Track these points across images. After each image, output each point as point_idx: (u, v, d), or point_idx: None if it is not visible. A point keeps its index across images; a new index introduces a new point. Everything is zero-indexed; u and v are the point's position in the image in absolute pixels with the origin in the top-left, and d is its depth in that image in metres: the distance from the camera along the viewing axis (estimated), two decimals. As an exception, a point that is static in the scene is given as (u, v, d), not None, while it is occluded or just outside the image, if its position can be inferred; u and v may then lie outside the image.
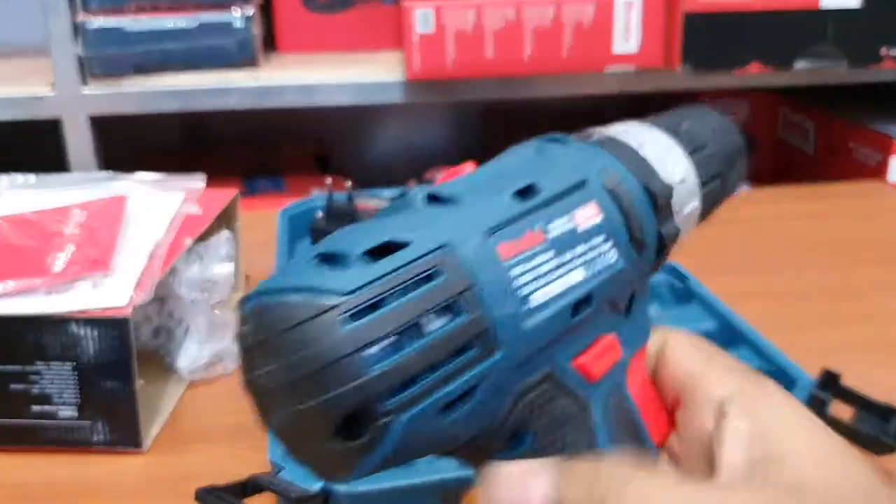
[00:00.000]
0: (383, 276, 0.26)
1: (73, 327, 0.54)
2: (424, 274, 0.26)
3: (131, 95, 1.07)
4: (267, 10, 1.20)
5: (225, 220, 0.72)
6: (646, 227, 0.32)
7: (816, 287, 0.79)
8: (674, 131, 0.36)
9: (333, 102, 1.17)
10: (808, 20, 1.14)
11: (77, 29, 1.05)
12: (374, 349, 0.25)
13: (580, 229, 0.30)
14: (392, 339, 0.25)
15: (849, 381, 0.55)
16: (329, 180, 0.84)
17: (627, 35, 1.11)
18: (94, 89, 1.06)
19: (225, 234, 0.68)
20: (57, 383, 0.55)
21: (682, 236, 0.35)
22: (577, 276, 0.29)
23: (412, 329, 0.26)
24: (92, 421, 0.56)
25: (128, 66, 1.09)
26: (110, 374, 0.55)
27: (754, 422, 0.29)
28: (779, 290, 0.79)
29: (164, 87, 1.07)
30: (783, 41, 1.15)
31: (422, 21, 1.07)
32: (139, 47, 1.06)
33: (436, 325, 0.26)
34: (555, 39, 1.09)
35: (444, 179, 0.32)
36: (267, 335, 0.25)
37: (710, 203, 0.37)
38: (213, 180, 0.73)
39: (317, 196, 0.88)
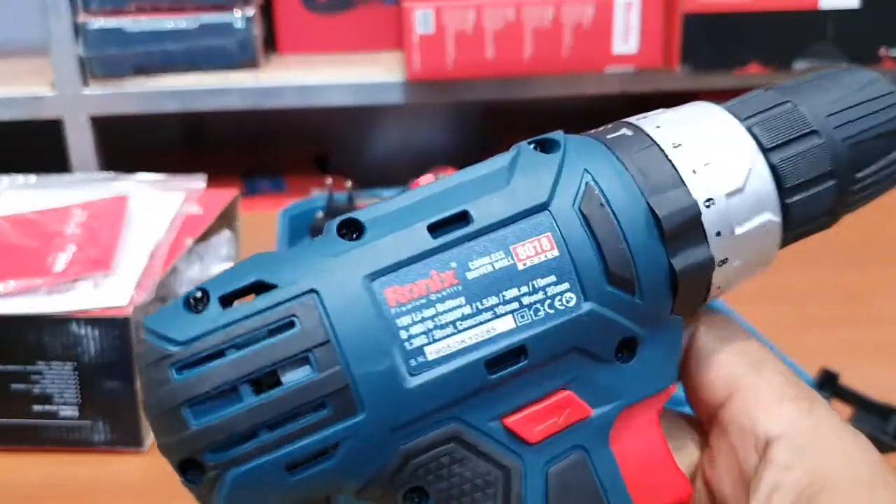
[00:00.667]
0: (229, 324, 0.24)
1: (74, 327, 0.54)
2: (279, 323, 0.25)
3: (132, 96, 1.07)
4: (267, 10, 1.20)
5: (225, 220, 0.72)
6: (639, 259, 0.27)
7: (823, 288, 0.79)
8: (753, 118, 0.28)
9: (333, 103, 1.17)
10: (808, 20, 1.14)
11: (78, 29, 1.06)
12: (199, 404, 0.24)
13: (520, 267, 0.26)
14: (223, 393, 0.24)
15: (848, 380, 0.55)
16: (329, 180, 0.84)
17: (627, 35, 1.11)
18: (95, 90, 1.06)
19: (226, 234, 0.68)
20: (58, 383, 0.55)
21: (735, 265, 0.28)
22: (503, 324, 0.26)
23: (250, 384, 0.24)
24: (93, 421, 0.56)
25: (128, 66, 1.09)
26: (111, 373, 0.55)
27: (804, 476, 0.26)
28: (781, 290, 0.79)
29: (165, 87, 1.07)
30: (783, 41, 1.15)
31: (422, 21, 1.07)
32: (140, 48, 1.06)
33: (287, 378, 0.24)
34: (554, 40, 1.09)
35: (413, 186, 0.29)
36: (138, 370, 0.26)
37: (813, 215, 0.29)
38: (213, 180, 0.73)
39: (317, 196, 0.88)
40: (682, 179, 0.27)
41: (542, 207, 0.27)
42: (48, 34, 1.05)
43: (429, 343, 0.25)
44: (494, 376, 0.26)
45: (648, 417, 0.28)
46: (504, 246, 0.26)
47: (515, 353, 0.26)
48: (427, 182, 0.29)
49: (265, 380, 0.24)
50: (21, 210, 0.66)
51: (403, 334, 0.25)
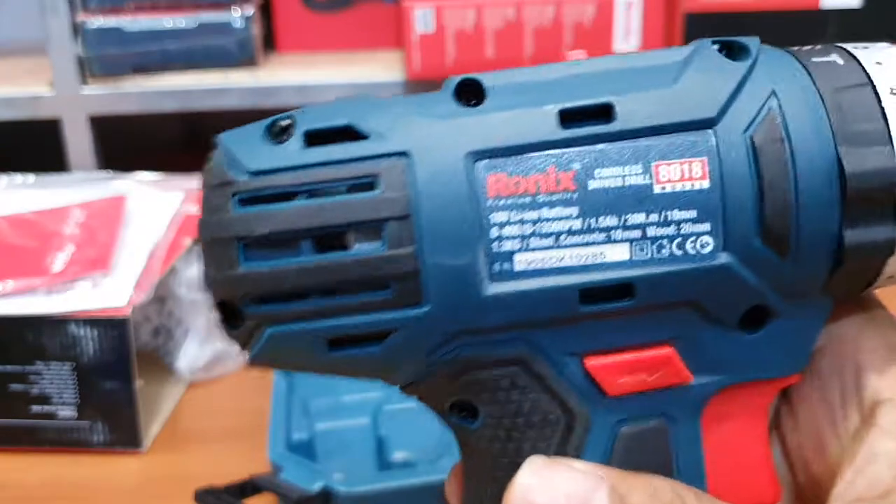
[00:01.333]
0: (307, 166, 0.22)
1: (73, 327, 0.54)
2: (359, 181, 0.22)
3: (131, 95, 1.07)
4: (266, 9, 1.20)
5: (225, 220, 0.72)
6: (806, 217, 0.22)
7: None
8: None
9: (333, 102, 1.17)
10: (808, 20, 1.14)
11: (76, 29, 1.06)
12: (254, 246, 0.22)
13: (657, 190, 0.22)
14: (282, 241, 0.21)
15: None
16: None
17: (627, 35, 1.11)
18: (94, 89, 1.06)
19: (225, 234, 0.68)
20: (56, 383, 0.55)
21: None
22: (615, 252, 0.22)
23: (313, 239, 0.22)
24: (91, 421, 0.56)
25: (127, 65, 1.09)
26: (110, 374, 0.55)
27: None
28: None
29: (164, 86, 1.07)
30: (783, 41, 1.14)
31: (422, 21, 1.07)
32: (139, 47, 1.06)
33: (355, 245, 0.21)
34: (555, 39, 1.09)
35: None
36: (202, 183, 0.23)
37: None
38: (212, 180, 0.73)
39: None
40: (890, 136, 0.22)
41: (707, 124, 0.22)
42: (46, 33, 1.05)
43: (521, 250, 0.22)
44: (588, 309, 0.22)
45: (756, 404, 0.24)
46: (644, 159, 0.22)
47: (620, 289, 0.22)
48: (576, 57, 0.25)
49: (330, 239, 0.22)
50: (19, 210, 0.66)
51: (494, 232, 0.22)
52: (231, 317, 0.23)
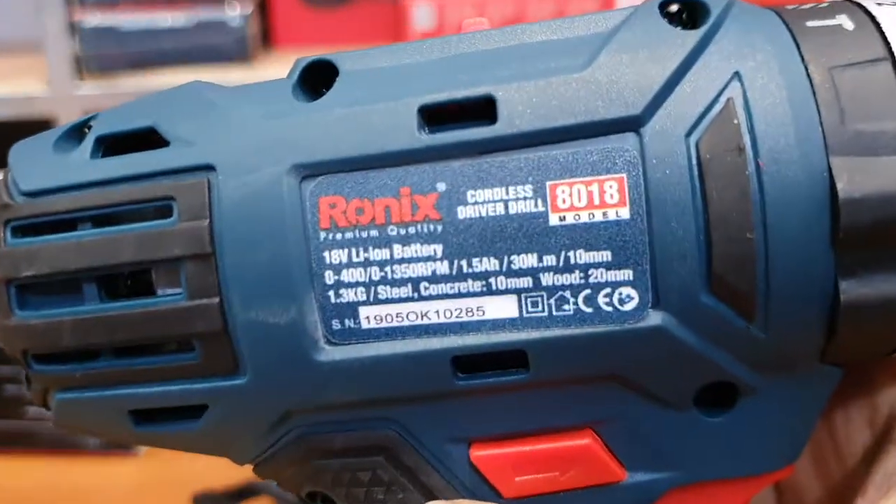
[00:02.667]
0: (90, 184, 0.17)
1: (68, 329, 0.54)
2: (152, 205, 0.17)
3: (127, 94, 1.07)
4: (264, 5, 1.19)
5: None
6: (778, 265, 0.15)
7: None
8: None
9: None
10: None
11: (72, 27, 1.05)
12: (29, 289, 0.17)
13: (553, 222, 0.15)
14: (61, 284, 0.17)
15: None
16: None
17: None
18: (90, 88, 1.05)
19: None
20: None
21: None
22: (499, 307, 0.16)
23: (98, 282, 0.17)
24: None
25: (123, 64, 1.09)
26: (105, 376, 0.55)
27: None
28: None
29: (160, 85, 1.07)
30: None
31: (421, 17, 1.06)
32: (135, 45, 1.06)
33: (158, 290, 0.17)
34: (554, 36, 1.09)
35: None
36: None
37: None
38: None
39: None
40: None
41: (629, 125, 0.15)
42: (42, 32, 1.04)
43: (367, 302, 0.16)
44: (467, 383, 0.16)
45: None
46: (536, 177, 0.16)
47: (508, 357, 0.16)
48: (474, 28, 0.17)
49: (125, 283, 0.17)
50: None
51: (330, 277, 0.16)
52: (26, 375, 0.19)
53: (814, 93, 0.15)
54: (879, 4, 0.16)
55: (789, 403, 0.17)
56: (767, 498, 0.23)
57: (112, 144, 0.18)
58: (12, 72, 1.08)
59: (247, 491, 0.48)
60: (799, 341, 0.16)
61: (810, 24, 0.16)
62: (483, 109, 0.16)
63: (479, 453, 0.17)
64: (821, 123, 0.15)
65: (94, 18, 1.01)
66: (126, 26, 1.02)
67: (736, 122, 0.15)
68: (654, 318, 0.15)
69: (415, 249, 0.16)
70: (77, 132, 0.18)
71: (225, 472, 0.49)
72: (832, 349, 0.16)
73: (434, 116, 0.16)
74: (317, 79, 0.17)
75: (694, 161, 0.15)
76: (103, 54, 1.02)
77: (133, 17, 1.02)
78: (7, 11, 1.24)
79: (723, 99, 0.15)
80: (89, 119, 0.18)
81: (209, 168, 0.16)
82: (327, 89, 0.17)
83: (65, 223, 0.17)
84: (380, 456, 0.17)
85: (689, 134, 0.15)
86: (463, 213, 0.16)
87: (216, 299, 0.16)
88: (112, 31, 1.01)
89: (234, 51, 1.09)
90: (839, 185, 0.15)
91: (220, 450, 0.19)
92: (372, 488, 0.18)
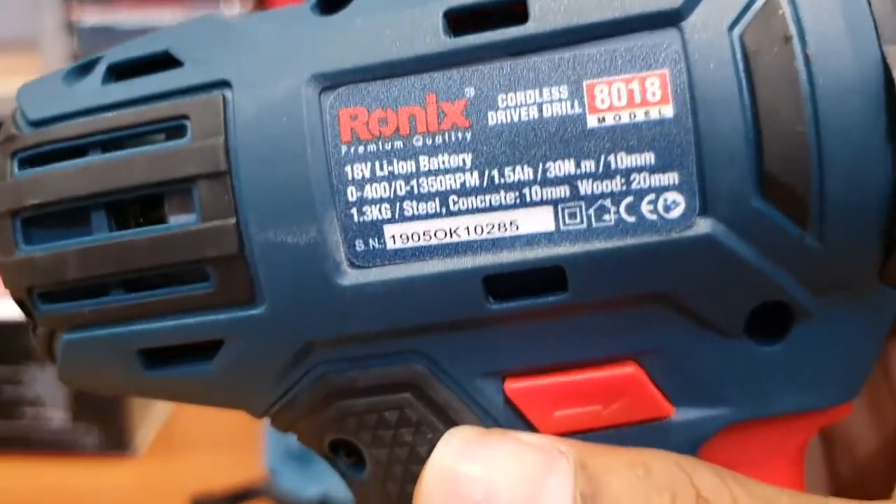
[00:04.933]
0: (99, 108, 0.16)
1: (65, 330, 0.54)
2: (165, 125, 0.16)
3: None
4: (263, 5, 1.19)
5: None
6: (833, 162, 0.14)
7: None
8: None
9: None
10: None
11: (70, 26, 1.05)
12: (34, 221, 0.16)
13: (592, 124, 0.14)
14: (68, 214, 0.16)
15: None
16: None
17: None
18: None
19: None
20: (50, 387, 0.55)
21: None
22: (534, 220, 0.15)
23: (107, 210, 0.16)
24: (85, 425, 0.55)
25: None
26: (103, 377, 0.54)
27: None
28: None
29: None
30: None
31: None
32: (132, 44, 1.05)
33: (169, 218, 0.16)
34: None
35: None
36: None
37: None
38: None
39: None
40: None
41: (670, 19, 0.14)
42: (39, 30, 1.04)
43: (393, 220, 0.15)
44: (500, 307, 0.15)
45: (784, 449, 0.17)
46: (573, 76, 0.14)
47: (545, 277, 0.15)
48: None
49: (134, 211, 0.16)
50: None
51: (352, 193, 0.15)
52: (30, 318, 0.17)
53: None
54: None
55: (847, 331, 0.16)
56: (814, 452, 0.22)
57: (125, 71, 0.17)
58: (9, 71, 1.08)
59: (246, 492, 0.48)
60: (856, 253, 0.15)
61: None
62: (513, 11, 0.15)
63: (514, 385, 0.16)
64: (871, 12, 0.14)
65: (91, 17, 1.01)
66: (123, 25, 1.02)
67: (781, 12, 0.14)
68: (703, 225, 0.14)
69: (442, 160, 0.15)
70: (88, 65, 0.17)
71: (222, 475, 0.49)
72: (892, 266, 0.15)
73: (461, 23, 0.15)
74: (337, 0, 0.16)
75: (739, 54, 0.14)
76: (101, 52, 1.02)
77: (130, 15, 1.02)
78: (4, 10, 1.23)
79: None
80: (101, 56, 0.17)
81: (224, 84, 0.15)
82: (342, 4, 0.16)
83: (74, 150, 0.16)
84: (407, 392, 0.16)
85: (732, 27, 0.14)
86: (493, 118, 0.15)
87: (232, 220, 0.15)
88: (109, 29, 1.01)
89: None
90: (895, 73, 0.14)
91: (236, 397, 0.17)
92: (400, 430, 0.16)
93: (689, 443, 0.16)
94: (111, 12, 1.05)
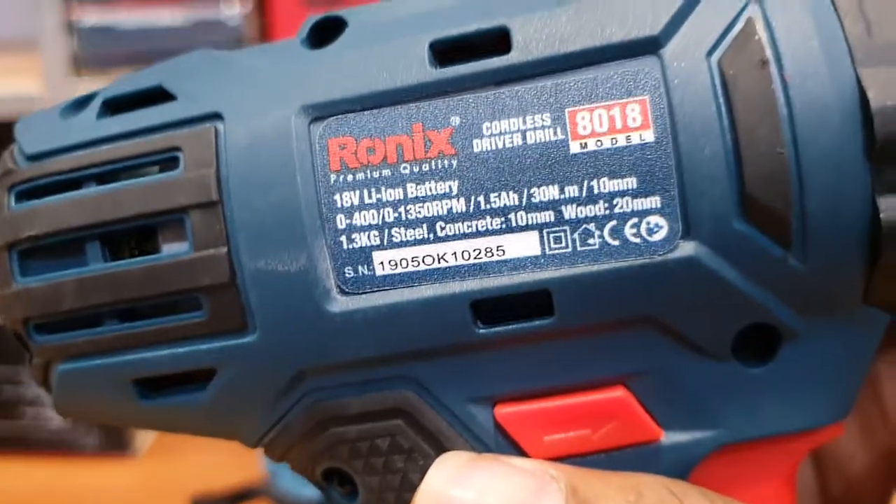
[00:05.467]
0: (94, 142, 0.16)
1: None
2: (159, 157, 0.16)
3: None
4: (262, 4, 1.19)
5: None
6: (813, 183, 0.14)
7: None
8: None
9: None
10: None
11: (70, 26, 1.05)
12: (30, 253, 0.17)
13: (575, 150, 0.15)
14: (63, 246, 0.16)
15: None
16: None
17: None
18: (87, 87, 1.05)
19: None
20: (48, 387, 0.55)
21: None
22: (520, 245, 0.15)
23: (102, 241, 0.16)
24: (85, 425, 0.55)
25: (121, 63, 1.08)
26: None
27: None
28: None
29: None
30: None
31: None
32: (132, 44, 1.05)
33: (163, 248, 0.16)
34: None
35: None
36: None
37: None
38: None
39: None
40: None
41: (649, 47, 0.15)
42: (39, 30, 1.04)
43: (381, 246, 0.15)
44: (488, 332, 0.15)
45: (776, 471, 0.17)
46: (555, 104, 0.15)
47: (532, 301, 0.15)
48: None
49: (128, 242, 0.17)
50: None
51: (341, 221, 0.15)
52: (26, 349, 0.18)
53: (835, 7, 0.15)
54: None
55: (834, 351, 0.16)
56: (806, 473, 0.22)
57: (119, 106, 0.17)
58: (9, 71, 1.08)
59: (246, 492, 0.48)
60: (839, 273, 0.15)
61: None
62: (496, 43, 0.15)
63: (504, 410, 0.16)
64: (845, 35, 0.14)
65: (91, 17, 1.01)
66: (124, 25, 1.02)
67: (758, 37, 0.14)
68: (686, 248, 0.14)
69: (429, 187, 0.15)
70: (84, 101, 0.18)
71: (221, 475, 0.49)
72: (875, 285, 0.15)
73: (446, 54, 0.15)
74: (326, 34, 0.17)
75: (718, 79, 0.14)
76: (101, 53, 1.02)
77: (131, 15, 1.02)
78: (4, 10, 1.23)
79: (743, 17, 0.15)
80: (96, 92, 0.18)
81: (216, 116, 0.16)
82: (333, 38, 0.17)
83: (69, 183, 0.16)
84: (399, 419, 0.16)
85: (710, 53, 0.15)
86: (479, 146, 0.15)
87: (224, 249, 0.15)
88: (109, 29, 1.01)
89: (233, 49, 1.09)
90: (870, 95, 0.14)
91: (229, 426, 0.17)
92: (391, 457, 0.16)
93: (680, 466, 0.16)
94: (111, 12, 1.05)
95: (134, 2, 1.06)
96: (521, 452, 0.16)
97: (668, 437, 0.16)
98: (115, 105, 0.17)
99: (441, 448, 0.16)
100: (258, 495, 0.48)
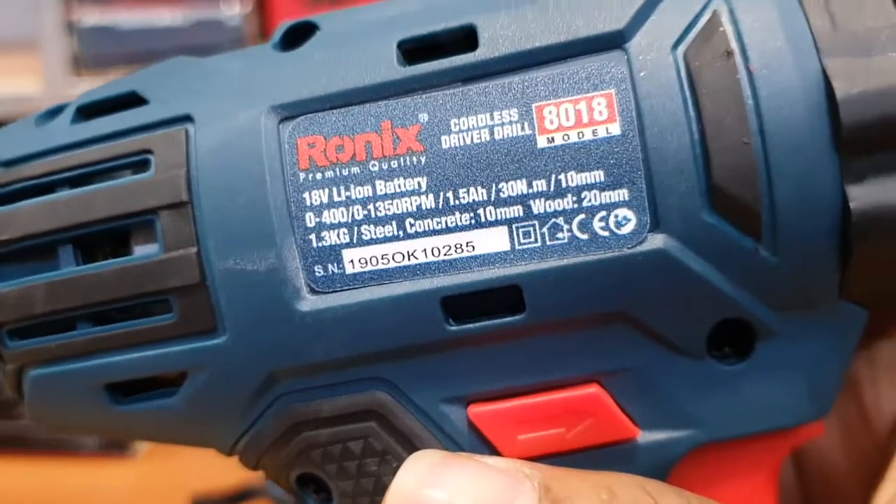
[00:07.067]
0: (67, 147, 0.17)
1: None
2: (129, 159, 0.16)
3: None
4: (262, 4, 1.19)
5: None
6: (781, 172, 0.14)
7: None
8: None
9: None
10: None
11: (70, 26, 1.05)
12: (3, 259, 0.17)
13: (542, 144, 0.15)
14: (37, 249, 0.17)
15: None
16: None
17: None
18: (87, 87, 1.05)
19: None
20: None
21: None
22: (490, 240, 0.15)
23: (74, 244, 0.16)
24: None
25: (121, 62, 1.08)
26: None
27: None
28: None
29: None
30: None
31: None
32: (132, 44, 1.05)
33: (135, 250, 0.16)
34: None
35: None
36: None
37: None
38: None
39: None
40: None
41: (614, 42, 0.15)
42: (39, 30, 1.04)
43: (351, 244, 0.15)
44: (459, 329, 0.15)
45: (755, 471, 0.16)
46: (522, 99, 0.15)
47: (503, 297, 0.15)
48: None
49: (101, 245, 0.17)
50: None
51: (310, 219, 0.15)
52: (1, 350, 0.18)
53: (800, 1, 0.15)
54: None
55: (812, 348, 0.16)
56: (787, 476, 0.21)
57: (93, 111, 0.17)
58: (8, 70, 1.08)
59: (246, 492, 0.48)
60: (812, 266, 0.15)
61: None
62: (464, 41, 0.15)
63: (477, 410, 0.16)
64: (810, 29, 0.15)
65: (91, 17, 1.01)
66: (123, 25, 1.02)
67: (722, 29, 0.15)
68: (655, 241, 0.14)
69: (398, 184, 0.15)
70: (58, 110, 0.18)
71: (221, 476, 0.49)
72: (851, 279, 0.15)
73: (415, 53, 0.16)
74: (298, 38, 0.17)
75: (683, 72, 0.15)
76: (100, 53, 1.02)
77: (130, 15, 1.02)
78: (4, 10, 1.23)
79: (708, 10, 0.15)
80: (70, 102, 0.18)
81: (187, 119, 0.16)
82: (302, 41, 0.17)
83: (42, 188, 0.17)
84: (371, 422, 0.16)
85: (675, 46, 0.15)
86: (447, 142, 0.15)
87: (193, 249, 0.15)
88: (109, 29, 1.01)
89: (232, 49, 1.09)
90: (835, 85, 0.14)
91: (202, 432, 0.17)
92: (365, 460, 0.16)
93: (658, 465, 0.16)
94: (111, 12, 1.05)
95: (134, 2, 1.06)
96: (496, 452, 0.16)
97: (644, 436, 0.16)
98: (89, 111, 0.17)
99: (414, 449, 0.16)
100: (258, 495, 0.48)
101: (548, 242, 0.15)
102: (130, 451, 0.56)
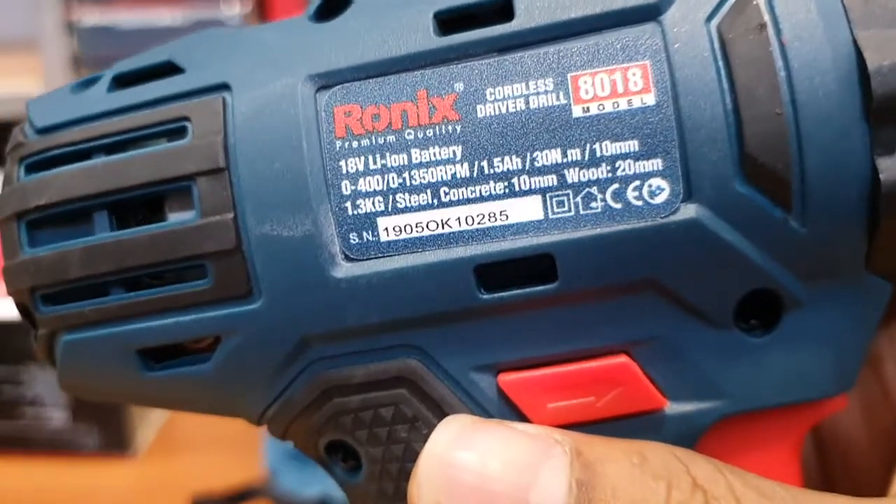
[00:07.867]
0: (103, 114, 0.17)
1: (65, 330, 0.54)
2: (166, 126, 0.16)
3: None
4: (263, 4, 1.19)
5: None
6: (812, 144, 0.14)
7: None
8: None
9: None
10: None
11: (70, 26, 1.05)
12: (38, 223, 0.17)
13: (577, 113, 0.15)
14: (71, 214, 0.17)
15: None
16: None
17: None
18: (87, 87, 1.05)
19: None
20: (50, 387, 0.55)
21: None
22: (523, 209, 0.15)
23: (110, 210, 0.17)
24: (84, 425, 0.55)
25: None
26: (103, 377, 0.54)
27: None
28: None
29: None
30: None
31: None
32: (132, 44, 1.05)
33: (169, 216, 0.17)
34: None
35: None
36: None
37: None
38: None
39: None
40: None
41: (649, 14, 0.15)
42: (39, 30, 1.04)
43: (386, 212, 0.15)
44: (492, 297, 0.15)
45: (780, 443, 0.17)
46: (557, 69, 0.15)
47: (535, 266, 0.15)
48: None
49: (136, 211, 0.17)
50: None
51: (346, 187, 0.15)
52: (30, 321, 0.18)
53: None
54: None
55: (838, 320, 0.16)
56: (807, 453, 0.21)
57: (129, 80, 0.17)
58: (9, 71, 1.08)
59: (246, 492, 0.48)
60: (840, 237, 0.15)
61: None
62: (499, 11, 0.16)
63: (508, 378, 0.16)
64: (842, 1, 0.15)
65: (91, 17, 1.01)
66: (123, 25, 1.02)
67: (755, 2, 0.15)
68: (688, 210, 0.15)
69: (433, 153, 0.15)
70: (94, 79, 0.18)
71: (222, 475, 0.49)
72: (877, 251, 0.15)
73: (450, 24, 0.16)
74: (333, 9, 0.17)
75: (717, 44, 0.15)
76: (101, 53, 1.02)
77: (130, 15, 1.02)
78: (4, 10, 1.23)
79: None
80: (107, 70, 0.18)
81: (224, 87, 0.16)
82: (338, 13, 0.17)
83: (79, 154, 0.17)
84: (402, 388, 0.16)
85: (709, 19, 0.15)
86: (482, 111, 0.15)
87: (230, 215, 0.16)
88: (109, 29, 1.01)
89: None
90: (866, 56, 0.14)
91: (233, 399, 0.17)
92: (395, 426, 0.17)
93: (685, 436, 0.16)
94: (111, 12, 1.05)
95: (134, 2, 1.06)
96: (525, 420, 0.16)
97: (672, 407, 0.16)
98: (125, 80, 0.17)
99: (444, 416, 0.16)
100: (258, 495, 0.48)
101: (581, 212, 0.15)
102: (130, 451, 0.56)
